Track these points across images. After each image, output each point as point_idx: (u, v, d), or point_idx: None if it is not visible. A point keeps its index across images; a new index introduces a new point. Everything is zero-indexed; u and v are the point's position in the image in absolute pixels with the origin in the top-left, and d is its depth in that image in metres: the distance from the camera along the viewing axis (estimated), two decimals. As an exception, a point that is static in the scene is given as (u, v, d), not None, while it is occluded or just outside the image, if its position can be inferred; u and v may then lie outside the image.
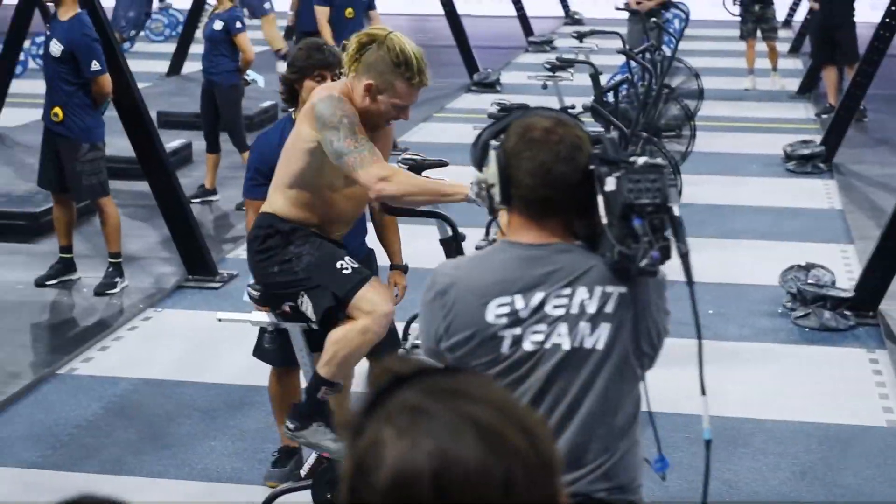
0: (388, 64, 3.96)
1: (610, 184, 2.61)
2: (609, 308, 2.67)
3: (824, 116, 12.76)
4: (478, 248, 8.07)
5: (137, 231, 8.48)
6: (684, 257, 2.64)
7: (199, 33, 12.29)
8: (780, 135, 11.87)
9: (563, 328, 2.66)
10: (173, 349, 6.64)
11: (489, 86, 14.85)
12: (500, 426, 1.25)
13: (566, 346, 2.66)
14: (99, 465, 5.27)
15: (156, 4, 20.92)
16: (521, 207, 2.69)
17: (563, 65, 9.79)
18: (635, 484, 2.79)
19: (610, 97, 9.03)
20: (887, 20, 9.88)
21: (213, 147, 9.43)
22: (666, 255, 2.63)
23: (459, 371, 1.33)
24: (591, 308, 2.66)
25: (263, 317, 4.48)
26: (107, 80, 7.15)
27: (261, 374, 6.08)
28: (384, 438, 1.25)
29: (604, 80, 9.63)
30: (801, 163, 10.80)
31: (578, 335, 2.66)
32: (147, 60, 16.10)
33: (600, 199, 2.62)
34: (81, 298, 7.32)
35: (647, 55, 9.64)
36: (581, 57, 10.39)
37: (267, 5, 9.17)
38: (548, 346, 2.66)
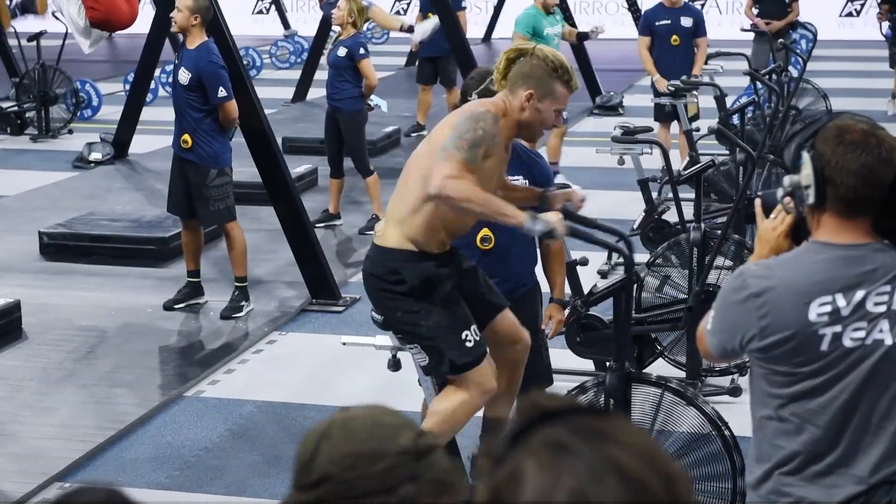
0: (545, 70, 4.12)
1: None
2: None
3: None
4: (600, 272, 8.02)
5: (263, 255, 8.59)
6: None
7: (323, 60, 12.45)
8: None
9: (884, 324, 2.78)
10: (297, 372, 6.69)
11: (612, 109, 14.78)
12: (643, 473, 1.23)
13: (889, 341, 2.79)
14: (224, 486, 5.33)
15: (281, 32, 21.34)
16: (837, 207, 2.77)
17: (688, 87, 9.70)
18: None
19: (736, 119, 8.91)
20: None
21: (336, 172, 9.52)
22: None
23: (609, 414, 1.32)
24: None
25: (387, 340, 4.51)
26: (233, 107, 7.26)
27: (383, 397, 6.11)
28: (525, 471, 1.23)
29: (729, 101, 9.52)
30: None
31: None
32: (273, 87, 16.38)
33: None
34: (208, 322, 7.44)
35: (774, 76, 9.49)
36: (706, 79, 10.28)
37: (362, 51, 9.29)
38: (868, 342, 2.78)
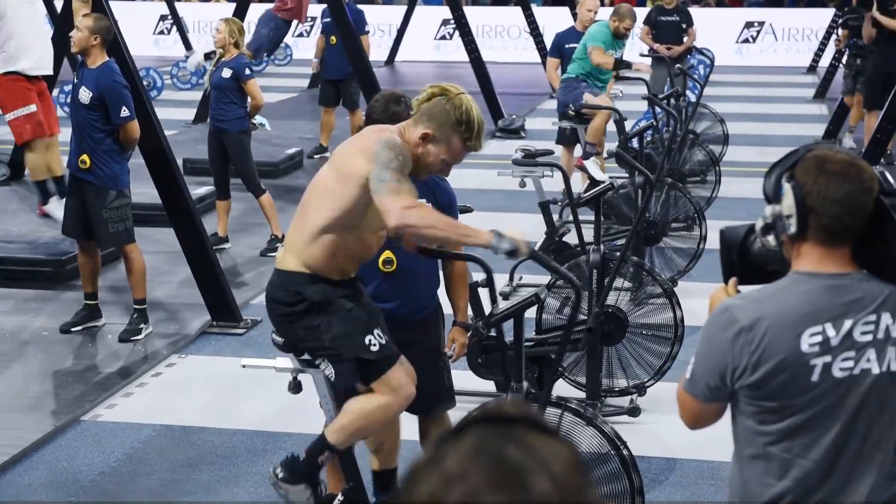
0: (450, 119, 4.06)
1: None
2: None
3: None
4: (501, 293, 8.08)
5: (162, 277, 8.52)
6: None
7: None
8: (806, 180, 11.83)
9: (871, 353, 2.80)
10: (197, 395, 6.65)
11: (514, 132, 14.92)
12: (542, 486, 1.27)
13: (875, 370, 2.81)
14: (121, 512, 5.27)
15: (182, 53, 21.19)
16: (820, 237, 2.80)
17: (588, 111, 9.83)
18: None
19: (635, 143, 9.04)
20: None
21: (223, 193, 9.46)
22: None
23: (551, 432, 1.35)
24: (895, 332, 2.83)
25: (287, 363, 4.48)
26: (135, 127, 7.20)
27: (283, 420, 6.11)
28: (445, 457, 1.31)
29: (628, 125, 9.66)
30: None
31: (886, 359, 2.81)
32: (174, 108, 16.27)
33: None
34: (106, 345, 7.34)
35: (672, 101, 9.66)
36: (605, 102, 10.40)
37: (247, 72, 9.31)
38: (856, 371, 2.80)
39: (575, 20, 11.61)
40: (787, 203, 2.80)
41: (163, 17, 25.14)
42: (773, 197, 2.85)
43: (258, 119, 9.47)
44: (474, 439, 1.31)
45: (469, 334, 5.08)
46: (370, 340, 4.22)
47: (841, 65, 15.04)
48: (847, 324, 2.78)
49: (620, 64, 10.08)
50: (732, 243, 3.02)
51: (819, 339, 2.76)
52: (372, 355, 4.23)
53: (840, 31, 14.95)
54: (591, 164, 9.56)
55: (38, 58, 9.61)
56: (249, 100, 9.27)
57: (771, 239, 2.89)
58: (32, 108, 9.55)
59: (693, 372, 2.90)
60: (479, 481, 1.27)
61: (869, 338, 2.79)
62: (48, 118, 9.58)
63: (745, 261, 3.01)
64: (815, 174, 2.77)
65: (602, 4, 10.95)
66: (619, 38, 10.26)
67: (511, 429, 1.33)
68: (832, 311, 2.78)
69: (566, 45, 10.74)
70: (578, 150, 10.43)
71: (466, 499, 1.26)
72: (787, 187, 2.81)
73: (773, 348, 2.76)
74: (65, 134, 7.90)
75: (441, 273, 5.02)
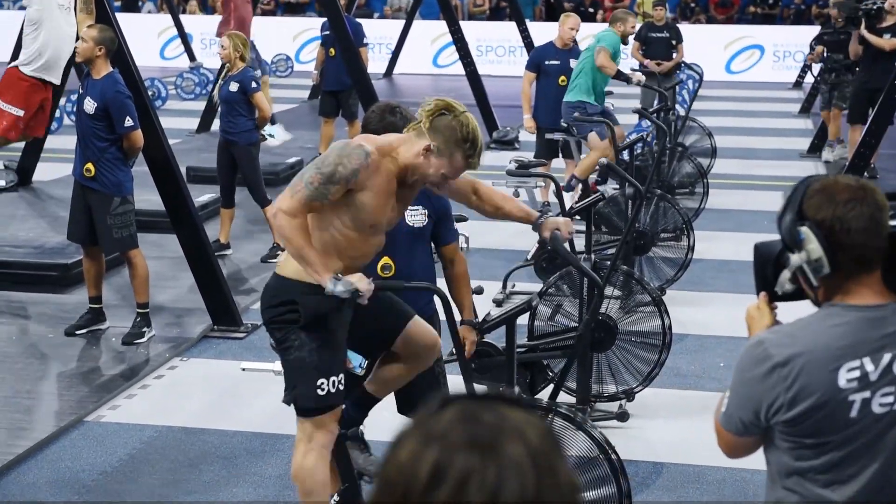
0: (456, 136, 4.16)
1: None
2: None
3: (835, 175, 12.81)
4: (495, 300, 8.24)
5: (165, 282, 8.65)
6: None
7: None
8: (791, 192, 12.00)
9: None
10: (198, 397, 6.77)
11: (508, 143, 15.10)
12: (501, 431, 1.39)
13: None
14: (123, 510, 5.36)
15: (187, 64, 21.36)
16: (851, 268, 2.68)
17: (581, 122, 9.99)
18: None
19: (625, 155, 9.18)
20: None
21: (228, 202, 9.63)
22: None
23: (523, 404, 1.46)
24: None
25: (286, 366, 4.61)
26: (138, 136, 7.34)
27: (282, 421, 6.23)
28: (442, 416, 1.43)
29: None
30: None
31: None
32: (178, 118, 16.43)
33: None
34: (110, 347, 7.47)
35: (662, 115, 9.81)
36: (598, 117, 10.59)
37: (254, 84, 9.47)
38: None
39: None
40: (812, 247, 2.68)
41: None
42: (794, 244, 2.72)
43: (268, 129, 9.63)
44: (457, 408, 1.44)
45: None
46: (322, 384, 4.29)
47: (813, 77, 15.17)
48: (886, 357, 2.66)
49: (620, 75, 10.24)
50: (767, 258, 2.89)
51: (857, 374, 2.65)
52: (314, 397, 4.31)
53: (815, 46, 15.06)
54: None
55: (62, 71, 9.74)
56: (257, 111, 9.45)
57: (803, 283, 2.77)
58: (20, 112, 9.55)
59: (728, 406, 2.79)
60: (457, 440, 1.39)
61: None
62: (34, 125, 9.54)
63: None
64: (830, 208, 2.65)
65: (583, 20, 11.10)
66: (626, 42, 10.50)
67: (490, 402, 1.45)
68: (870, 344, 2.67)
69: (545, 62, 10.74)
70: (557, 163, 10.58)
71: (442, 457, 1.38)
72: (806, 231, 2.68)
73: (809, 385, 2.65)
74: (70, 142, 8.05)
75: (442, 277, 5.14)
